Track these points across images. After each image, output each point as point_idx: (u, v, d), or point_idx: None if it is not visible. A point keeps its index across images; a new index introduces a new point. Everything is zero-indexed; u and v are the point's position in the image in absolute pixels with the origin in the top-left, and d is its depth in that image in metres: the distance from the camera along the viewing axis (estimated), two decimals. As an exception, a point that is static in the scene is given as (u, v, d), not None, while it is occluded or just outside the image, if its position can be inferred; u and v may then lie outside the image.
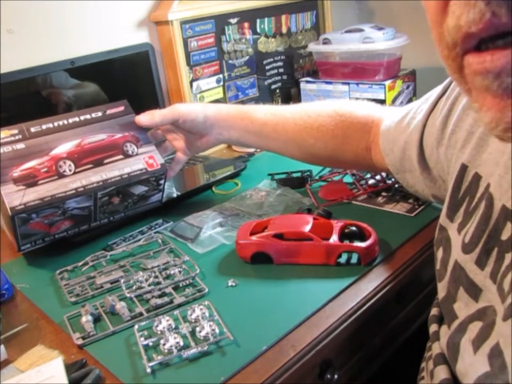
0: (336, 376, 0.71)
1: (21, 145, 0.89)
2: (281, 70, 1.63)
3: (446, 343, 0.52)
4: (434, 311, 0.63)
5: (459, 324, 0.51)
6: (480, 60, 0.30)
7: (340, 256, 0.78)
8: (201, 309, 0.70)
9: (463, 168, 0.56)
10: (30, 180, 0.85)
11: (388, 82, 1.40)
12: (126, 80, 1.27)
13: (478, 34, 0.29)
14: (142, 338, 0.66)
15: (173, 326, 0.68)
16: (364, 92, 1.44)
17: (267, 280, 0.77)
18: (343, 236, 0.82)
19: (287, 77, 1.65)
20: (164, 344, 0.64)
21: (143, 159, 0.93)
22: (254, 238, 0.81)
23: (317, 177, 1.11)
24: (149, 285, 0.78)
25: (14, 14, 1.11)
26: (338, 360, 0.74)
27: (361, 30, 1.45)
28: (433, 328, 0.61)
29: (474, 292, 0.49)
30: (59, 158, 0.89)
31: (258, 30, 1.52)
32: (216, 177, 1.16)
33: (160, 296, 0.75)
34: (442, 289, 0.57)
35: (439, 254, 0.58)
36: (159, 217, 1.02)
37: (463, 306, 0.51)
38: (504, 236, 0.46)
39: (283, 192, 1.06)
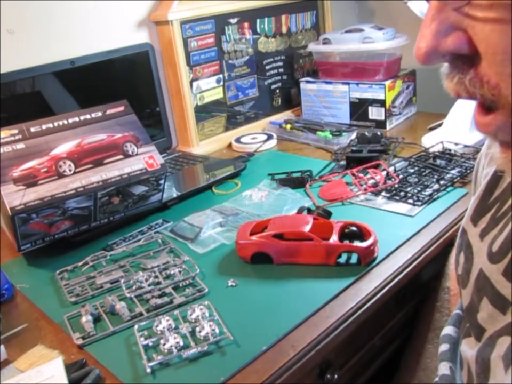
0: (336, 376, 0.71)
1: (21, 145, 0.89)
2: (281, 70, 1.63)
3: (474, 357, 0.50)
4: (448, 329, 0.62)
5: (488, 338, 0.49)
6: (479, 123, 0.38)
7: (339, 256, 0.78)
8: (201, 309, 0.70)
9: (499, 175, 0.53)
10: (30, 180, 0.85)
11: (387, 82, 1.40)
12: (126, 80, 1.27)
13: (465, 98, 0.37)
14: (142, 338, 0.66)
15: (173, 326, 0.68)
16: (364, 91, 1.44)
17: (267, 280, 0.77)
18: (343, 235, 0.82)
19: (287, 77, 1.65)
20: (164, 344, 0.64)
21: (143, 159, 0.93)
22: (254, 238, 0.81)
23: (317, 177, 1.11)
24: (149, 285, 0.78)
25: (14, 14, 1.11)
26: (338, 360, 0.74)
27: (361, 30, 1.45)
28: (442, 348, 0.59)
29: (502, 304, 0.47)
30: (59, 158, 0.89)
31: (258, 30, 1.52)
32: (216, 177, 1.16)
33: (160, 296, 0.75)
34: (466, 297, 0.55)
35: (461, 259, 0.56)
36: (159, 217, 1.02)
37: (487, 317, 0.50)
38: None
39: (283, 192, 1.06)
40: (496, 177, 0.54)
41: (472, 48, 0.34)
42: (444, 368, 0.57)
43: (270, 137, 1.41)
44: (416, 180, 1.04)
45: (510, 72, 0.32)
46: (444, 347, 0.60)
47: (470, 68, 0.35)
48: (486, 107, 0.36)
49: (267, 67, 1.58)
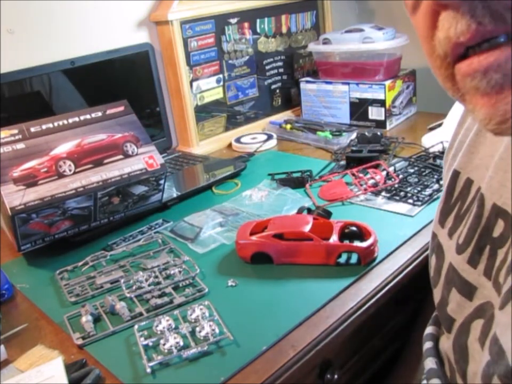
0: (336, 376, 0.71)
1: (21, 145, 0.89)
2: (281, 70, 1.63)
3: (451, 347, 0.52)
4: (430, 329, 0.64)
5: (460, 325, 0.51)
6: (468, 63, 0.32)
7: (339, 256, 0.78)
8: (201, 309, 0.70)
9: (455, 174, 0.57)
10: (30, 180, 0.85)
11: (387, 82, 1.40)
12: (126, 80, 1.27)
13: (466, 43, 0.32)
14: (142, 338, 0.66)
15: (173, 326, 0.68)
16: (364, 91, 1.44)
17: (267, 280, 0.77)
18: (343, 236, 0.82)
19: (287, 77, 1.65)
20: (164, 344, 0.64)
21: (143, 159, 0.93)
22: (254, 238, 0.81)
23: (317, 177, 1.11)
24: (149, 285, 0.78)
25: (14, 14, 1.11)
26: (338, 360, 0.74)
27: (361, 30, 1.45)
28: (427, 345, 0.61)
29: (469, 290, 0.50)
30: (59, 158, 0.89)
31: (258, 30, 1.52)
32: (216, 177, 1.16)
33: (160, 296, 0.75)
34: (437, 295, 0.58)
35: (433, 261, 0.59)
36: (159, 217, 1.02)
37: (456, 307, 0.52)
38: (496, 233, 0.47)
39: (283, 192, 1.06)
40: (454, 178, 0.56)
41: None
42: (430, 363, 0.58)
43: (270, 137, 1.41)
44: (416, 180, 1.04)
45: None
46: (428, 344, 0.62)
47: None
48: (494, 46, 0.31)
49: (267, 67, 1.58)
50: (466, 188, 0.54)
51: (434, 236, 0.59)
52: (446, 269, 0.55)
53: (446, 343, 0.56)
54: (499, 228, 0.46)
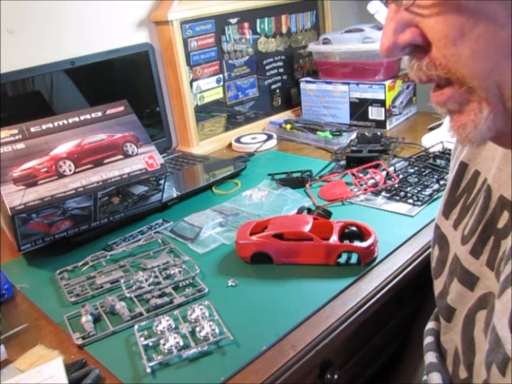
0: (336, 376, 0.71)
1: (21, 145, 0.89)
2: (281, 70, 1.63)
3: (460, 339, 0.53)
4: (431, 324, 0.64)
5: (465, 317, 0.52)
6: (433, 94, 0.44)
7: (339, 256, 0.78)
8: (201, 309, 0.70)
9: (463, 166, 0.57)
10: (30, 180, 0.85)
11: (387, 82, 1.40)
12: (126, 80, 1.27)
13: (423, 82, 0.43)
14: (142, 338, 0.66)
15: (173, 326, 0.68)
16: (364, 91, 1.44)
17: (267, 280, 0.77)
18: (343, 236, 0.82)
19: (287, 77, 1.65)
20: (164, 344, 0.64)
21: (143, 159, 0.93)
22: (254, 238, 0.81)
23: (317, 177, 1.11)
24: (149, 285, 0.78)
25: (14, 14, 1.11)
26: (338, 360, 0.74)
27: (361, 30, 1.45)
28: (428, 340, 0.62)
29: (470, 280, 0.51)
30: (59, 158, 0.89)
31: (258, 30, 1.52)
32: (216, 177, 1.16)
33: (160, 296, 0.75)
34: (438, 285, 0.58)
35: (435, 252, 0.60)
36: (159, 217, 1.02)
37: (456, 297, 0.53)
38: (500, 224, 0.48)
39: (283, 192, 1.06)
40: (461, 170, 0.58)
41: (424, 38, 0.40)
42: (430, 357, 0.59)
43: (270, 137, 1.41)
44: (416, 179, 1.04)
45: (453, 52, 0.39)
46: (429, 339, 0.63)
47: (425, 56, 0.41)
48: (442, 86, 0.43)
49: (267, 67, 1.58)
50: (473, 180, 0.55)
51: (437, 227, 0.60)
52: (451, 260, 0.55)
53: (448, 334, 0.56)
54: (504, 219, 0.47)
